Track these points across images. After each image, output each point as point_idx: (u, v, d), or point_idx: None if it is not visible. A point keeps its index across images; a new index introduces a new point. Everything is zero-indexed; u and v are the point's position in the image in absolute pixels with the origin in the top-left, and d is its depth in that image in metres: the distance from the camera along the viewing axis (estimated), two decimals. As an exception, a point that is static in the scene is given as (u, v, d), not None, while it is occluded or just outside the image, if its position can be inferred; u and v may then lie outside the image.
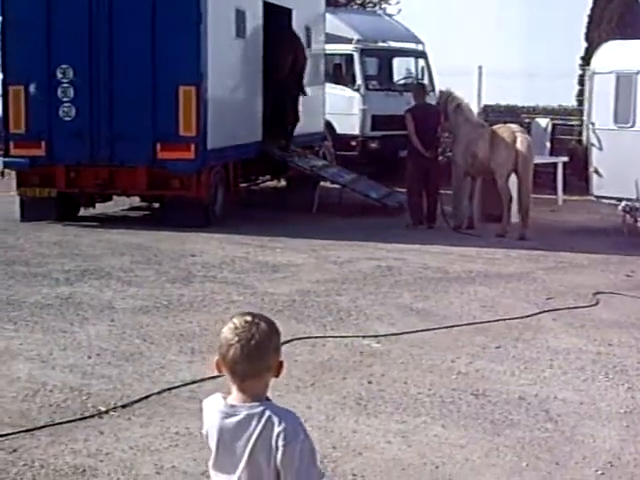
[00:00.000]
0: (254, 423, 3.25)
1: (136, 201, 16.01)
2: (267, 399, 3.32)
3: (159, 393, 6.87)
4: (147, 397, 6.77)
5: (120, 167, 14.16)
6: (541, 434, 6.33)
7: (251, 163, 16.47)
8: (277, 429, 3.22)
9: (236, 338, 3.24)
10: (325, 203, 16.75)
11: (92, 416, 6.39)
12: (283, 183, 19.74)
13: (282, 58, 16.79)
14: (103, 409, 6.51)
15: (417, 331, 8.78)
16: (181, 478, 5.49)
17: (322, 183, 17.50)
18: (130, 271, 11.04)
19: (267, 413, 3.25)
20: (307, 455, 3.24)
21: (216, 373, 7.11)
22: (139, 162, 14.08)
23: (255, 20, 16.01)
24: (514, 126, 15.16)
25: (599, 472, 5.75)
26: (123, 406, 6.59)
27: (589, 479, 5.66)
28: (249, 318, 3.30)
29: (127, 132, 13.94)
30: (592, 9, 21.20)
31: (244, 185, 17.08)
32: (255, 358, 3.24)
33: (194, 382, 7.13)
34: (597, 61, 15.31)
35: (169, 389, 6.96)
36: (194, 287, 10.35)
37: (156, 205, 15.62)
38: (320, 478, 3.33)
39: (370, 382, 7.27)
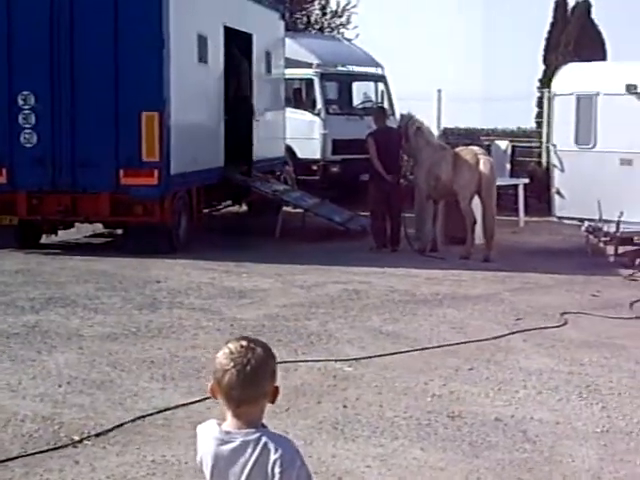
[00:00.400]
0: (250, 450, 3.20)
1: (98, 228, 15.88)
2: (262, 425, 3.27)
3: (133, 421, 6.78)
4: (121, 425, 6.67)
5: (83, 194, 14.04)
6: (520, 455, 6.31)
7: (213, 188, 16.42)
8: (273, 456, 3.17)
9: (232, 363, 3.19)
10: (288, 228, 16.71)
11: (66, 446, 6.29)
12: (244, 208, 19.69)
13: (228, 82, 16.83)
14: (77, 438, 6.41)
15: (389, 354, 8.74)
16: (160, 507, 5.41)
17: (284, 208, 17.47)
18: (96, 298, 10.93)
19: (263, 440, 3.20)
20: (303, 482, 3.20)
21: (189, 400, 7.05)
22: (102, 188, 13.96)
23: (217, 45, 15.98)
24: (476, 148, 15.23)
25: (580, 492, 5.74)
26: (97, 435, 6.49)
27: (570, 499, 5.65)
28: (244, 343, 3.25)
29: (90, 158, 13.84)
30: (549, 32, 21.42)
31: (206, 210, 17.00)
32: (251, 384, 3.19)
33: (167, 409, 7.05)
34: (557, 83, 15.45)
35: (142, 417, 6.87)
36: (161, 313, 10.26)
37: (119, 232, 15.51)
38: (315, 504, 3.27)
39: (345, 406, 7.22)
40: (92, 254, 14.07)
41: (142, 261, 13.34)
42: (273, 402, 3.29)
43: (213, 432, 3.27)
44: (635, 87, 14.25)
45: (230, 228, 17.79)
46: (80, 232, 15.89)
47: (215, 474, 3.26)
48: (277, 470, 3.15)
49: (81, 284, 11.77)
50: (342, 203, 18.33)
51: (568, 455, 6.33)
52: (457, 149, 15.02)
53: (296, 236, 16.27)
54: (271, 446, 3.18)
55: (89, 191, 14.02)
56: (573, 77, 15.27)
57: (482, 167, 14.35)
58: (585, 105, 14.78)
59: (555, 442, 6.57)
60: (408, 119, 15.40)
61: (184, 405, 7.15)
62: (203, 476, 5.73)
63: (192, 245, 14.64)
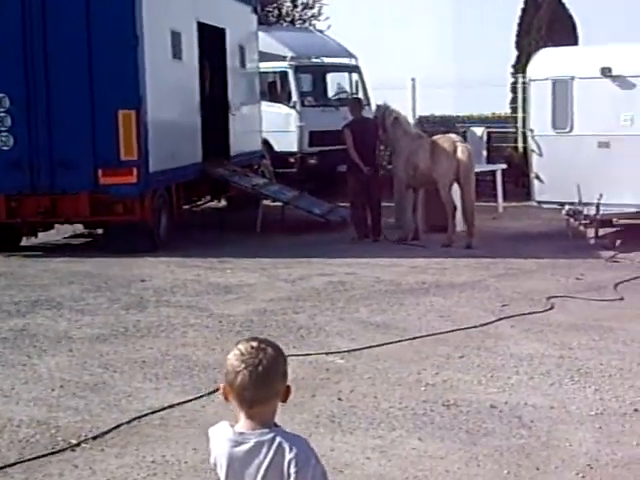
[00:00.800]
0: (264, 450, 3.20)
1: (79, 228, 15.82)
2: (275, 425, 3.27)
3: (129, 422, 6.76)
4: (117, 427, 6.66)
5: (62, 195, 13.98)
6: (517, 441, 6.35)
7: (192, 184, 16.40)
8: (288, 456, 3.17)
9: (243, 365, 3.19)
10: (268, 221, 16.70)
11: (64, 449, 6.27)
12: (223, 203, 19.67)
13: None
14: (74, 442, 6.39)
15: (379, 345, 8.76)
16: (164, 507, 5.40)
17: (264, 201, 17.44)
18: (81, 300, 10.89)
19: (277, 440, 3.20)
20: (319, 480, 3.21)
21: (184, 399, 7.04)
22: (81, 189, 13.91)
23: (190, 41, 15.94)
24: (454, 136, 15.27)
25: (580, 475, 5.78)
26: (94, 437, 6.47)
27: (571, 483, 5.68)
28: (255, 344, 3.25)
29: (68, 159, 13.77)
30: (521, 18, 21.47)
31: (186, 207, 16.97)
32: (263, 384, 3.20)
33: (163, 409, 7.04)
34: (533, 68, 15.47)
35: (138, 417, 6.86)
36: (149, 312, 10.24)
37: (99, 231, 15.46)
38: (331, 501, 3.28)
39: (340, 399, 7.24)
40: (74, 255, 14.01)
41: (124, 260, 13.30)
42: (285, 401, 3.30)
43: (227, 434, 3.26)
44: (610, 70, 14.31)
45: (210, 224, 17.76)
46: (60, 233, 15.83)
47: (230, 475, 3.26)
48: (292, 470, 3.15)
49: (65, 286, 11.73)
50: (320, 195, 18.34)
51: (564, 439, 6.37)
52: (435, 137, 15.05)
53: (277, 229, 16.28)
54: (286, 446, 3.18)
55: (68, 192, 13.95)
56: (548, 62, 15.31)
57: (460, 154, 14.39)
58: (561, 89, 14.81)
59: (551, 427, 6.61)
60: (385, 109, 15.41)
61: (179, 404, 7.14)
62: (207, 477, 5.76)
63: (174, 242, 14.61)
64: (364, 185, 15.17)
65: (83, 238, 15.93)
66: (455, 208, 14.68)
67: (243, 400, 3.21)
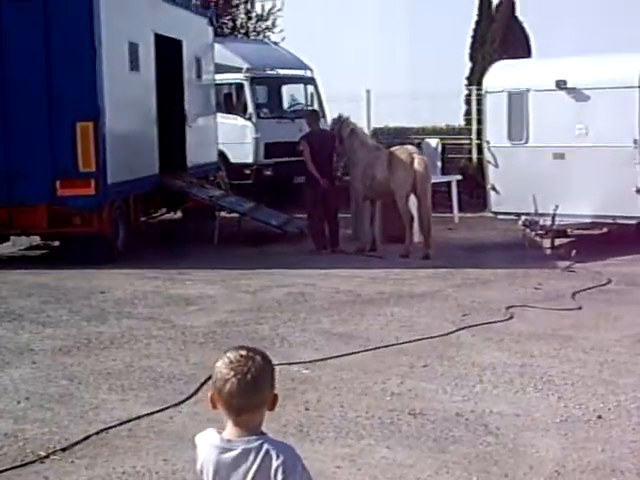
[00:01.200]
0: (252, 457, 3.24)
1: (35, 240, 15.73)
2: (262, 433, 3.31)
3: (97, 433, 6.74)
4: (86, 438, 6.64)
5: (19, 206, 13.90)
6: (485, 448, 6.42)
7: (149, 196, 16.38)
8: (275, 463, 3.21)
9: (232, 372, 3.22)
10: (225, 233, 16.71)
11: (33, 462, 6.24)
12: (179, 215, 19.64)
13: None
14: (43, 453, 6.36)
15: (343, 355, 8.81)
16: (138, 518, 5.41)
17: (221, 213, 17.45)
18: (42, 312, 10.83)
19: (265, 447, 3.24)
20: (306, 487, 3.25)
21: (151, 410, 7.03)
22: (39, 200, 13.85)
23: (148, 53, 15.93)
24: (410, 147, 15.40)
25: (548, 481, 5.86)
26: (63, 449, 6.45)
27: (539, 489, 5.76)
28: (244, 352, 3.28)
29: (25, 170, 13.68)
30: (475, 30, 21.68)
31: (143, 219, 16.93)
32: (252, 392, 3.24)
33: (131, 420, 7.03)
34: (489, 80, 15.64)
35: (107, 429, 6.84)
36: (111, 324, 10.21)
37: (55, 243, 15.38)
38: (316, 507, 3.32)
39: (307, 409, 7.27)
40: (31, 267, 13.92)
41: (83, 272, 13.24)
42: (272, 409, 3.34)
43: (214, 440, 3.30)
44: (565, 82, 14.51)
45: (167, 235, 17.76)
46: (15, 245, 15.72)
47: (217, 482, 3.29)
48: (280, 477, 3.20)
49: (24, 298, 11.66)
50: (276, 206, 18.38)
51: (531, 446, 6.46)
52: (392, 149, 15.16)
53: (234, 241, 16.29)
54: (273, 453, 3.23)
55: (26, 203, 13.88)
56: (504, 74, 15.49)
57: (417, 166, 14.50)
58: (516, 101, 15.00)
59: (517, 434, 6.69)
60: (341, 121, 15.50)
61: (147, 415, 7.14)
62: (178, 485, 5.76)
63: (132, 254, 14.57)
64: (321, 197, 15.24)
65: (39, 250, 15.83)
66: (412, 219, 14.80)
67: (231, 408, 3.25)
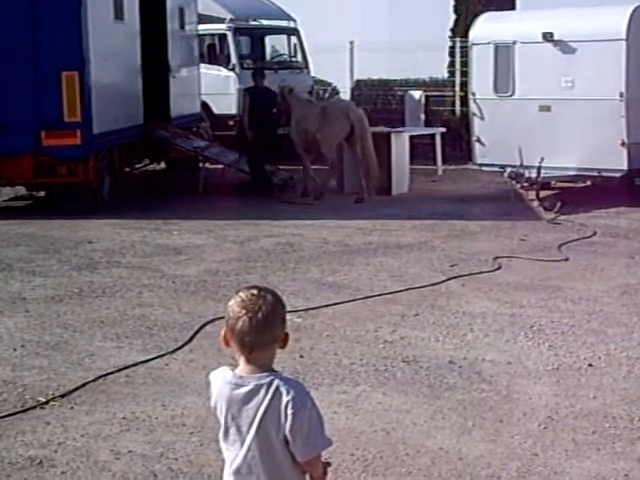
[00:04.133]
0: (263, 393, 3.32)
1: (20, 190, 15.68)
2: (273, 370, 3.38)
3: (95, 380, 6.82)
4: (84, 385, 6.71)
5: (5, 157, 13.83)
6: (478, 395, 6.52)
7: (133, 147, 16.33)
8: (286, 398, 3.29)
9: (244, 311, 3.29)
10: (209, 183, 16.70)
11: (33, 407, 6.31)
12: (162, 166, 19.59)
13: None
14: (43, 399, 6.43)
15: (335, 304, 8.89)
16: (141, 462, 5.47)
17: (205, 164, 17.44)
18: (31, 261, 10.85)
19: (275, 383, 3.32)
20: (315, 423, 3.33)
21: (147, 357, 7.10)
22: (24, 151, 13.78)
23: (132, 2, 15.81)
24: (344, 101, 16.77)
25: (542, 426, 5.96)
26: (62, 395, 6.52)
27: (534, 433, 5.86)
28: (255, 291, 3.35)
29: (10, 121, 13.60)
30: (459, -18, 21.63)
31: (127, 169, 16.89)
32: (263, 330, 3.30)
33: (127, 367, 7.10)
34: (475, 32, 15.62)
35: (104, 375, 6.91)
36: (101, 273, 10.24)
37: (41, 194, 15.35)
38: (328, 445, 3.40)
39: (302, 356, 7.35)
40: (17, 217, 13.90)
41: (69, 222, 13.25)
42: (284, 347, 3.42)
43: (227, 377, 3.38)
44: (551, 35, 14.51)
45: (151, 186, 17.73)
46: (1, 195, 15.67)
47: (229, 417, 3.37)
48: (290, 411, 3.27)
49: (12, 248, 11.67)
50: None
51: (524, 393, 6.56)
52: (327, 103, 16.26)
53: (219, 192, 16.27)
54: (283, 389, 3.30)
55: (11, 154, 13.82)
56: (490, 26, 15.46)
57: (353, 118, 15.40)
58: (503, 54, 14.99)
59: (510, 381, 6.79)
60: (284, 85, 16.84)
61: (143, 362, 7.21)
62: (179, 431, 5.86)
63: (117, 204, 14.58)
64: (263, 144, 16.07)
65: (24, 200, 15.79)
66: (334, 164, 15.83)
67: (244, 345, 3.32)
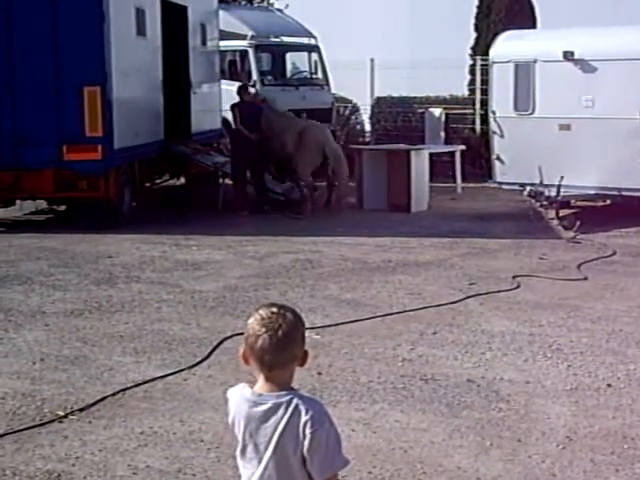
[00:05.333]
0: (281, 411, 3.31)
1: (41, 204, 15.76)
2: (292, 388, 3.38)
3: (114, 395, 6.84)
4: (103, 399, 6.73)
5: (26, 171, 13.92)
6: (497, 414, 6.51)
7: (153, 162, 16.42)
8: (304, 417, 3.28)
9: (264, 329, 3.29)
10: (227, 199, 16.74)
11: (52, 421, 6.33)
12: (182, 181, 19.66)
13: None
14: (61, 413, 6.45)
15: (353, 321, 8.90)
16: (158, 477, 5.49)
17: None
18: (51, 275, 10.90)
19: (294, 401, 3.31)
20: (333, 442, 3.32)
21: (165, 372, 7.10)
22: (45, 165, 13.88)
23: (154, 18, 15.93)
24: (322, 128, 16.73)
25: (560, 447, 5.94)
26: (81, 410, 6.54)
27: (552, 453, 5.84)
28: (275, 309, 3.35)
29: (32, 135, 13.74)
30: (480, 0, 21.61)
31: (147, 184, 16.97)
32: (283, 348, 3.30)
33: (146, 382, 7.12)
34: (495, 50, 15.63)
35: (123, 390, 6.93)
36: (120, 288, 10.28)
37: (61, 208, 15.43)
38: (345, 465, 3.40)
39: (320, 373, 7.35)
40: (37, 231, 13.97)
41: (89, 237, 13.32)
42: (303, 365, 3.41)
43: (245, 394, 3.37)
44: (572, 53, 14.50)
45: (171, 201, 17.78)
46: (22, 209, 15.76)
47: (247, 434, 3.36)
48: (308, 431, 3.26)
49: (33, 261, 11.73)
50: (279, 173, 18.35)
51: (542, 412, 6.54)
52: (305, 126, 16.47)
53: (237, 207, 16.29)
54: (302, 407, 3.29)
55: (32, 168, 13.91)
56: (511, 44, 15.47)
57: (327, 151, 15.96)
58: (523, 72, 14.99)
59: (528, 401, 6.77)
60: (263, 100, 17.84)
61: (161, 377, 7.22)
62: (197, 447, 5.86)
63: (137, 219, 14.65)
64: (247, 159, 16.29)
65: (45, 214, 15.87)
66: (316, 189, 16.42)
67: (263, 363, 3.31)
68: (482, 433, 6.17)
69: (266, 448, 3.34)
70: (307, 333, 8.35)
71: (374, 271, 11.24)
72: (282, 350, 3.30)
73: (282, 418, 3.31)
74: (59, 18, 13.65)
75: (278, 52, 21.73)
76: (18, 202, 15.31)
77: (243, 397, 3.38)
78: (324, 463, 3.31)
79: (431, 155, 17.44)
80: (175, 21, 17.21)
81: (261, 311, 3.36)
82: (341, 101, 23.51)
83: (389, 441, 6.03)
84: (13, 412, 6.50)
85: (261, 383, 3.36)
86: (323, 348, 8.04)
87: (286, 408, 3.31)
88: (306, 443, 3.27)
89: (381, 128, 23.13)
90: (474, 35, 21.40)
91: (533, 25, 20.32)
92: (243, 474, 3.42)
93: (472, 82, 21.36)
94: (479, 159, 19.98)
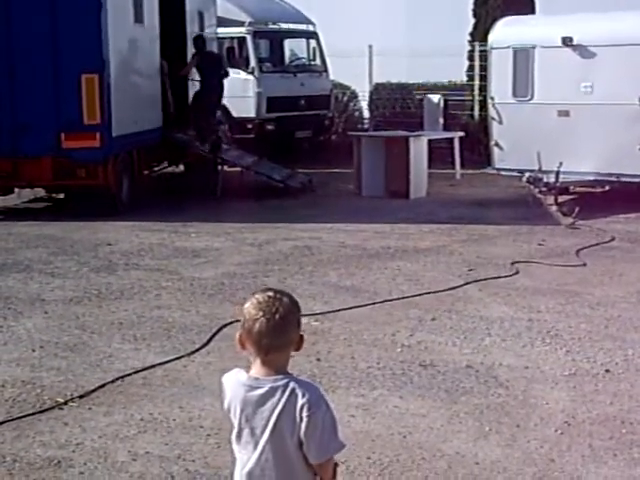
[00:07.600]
0: (278, 395, 3.32)
1: (40, 192, 15.76)
2: (288, 372, 3.39)
3: (113, 382, 6.85)
4: (102, 386, 6.75)
5: (24, 159, 13.91)
6: (495, 399, 6.52)
7: (151, 149, 16.39)
8: (301, 401, 3.29)
9: (261, 313, 3.30)
10: (227, 186, 16.73)
11: (52, 408, 6.35)
12: (180, 168, 19.65)
13: None
14: (61, 400, 6.47)
15: (352, 307, 8.91)
16: (158, 463, 5.50)
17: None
18: (50, 263, 10.91)
19: (291, 385, 3.32)
20: (329, 425, 3.33)
21: (165, 359, 7.12)
22: (43, 153, 13.86)
23: (152, 5, 15.88)
24: None
25: (559, 432, 5.96)
26: (80, 396, 6.55)
27: (550, 439, 5.86)
28: (271, 294, 3.36)
29: (30, 122, 13.71)
30: (478, -14, 21.53)
31: (146, 172, 16.95)
32: (280, 332, 3.31)
33: (145, 369, 7.13)
34: (494, 36, 15.62)
35: (122, 377, 6.95)
36: (119, 276, 10.29)
37: (60, 196, 15.43)
38: (341, 448, 3.40)
39: (319, 359, 7.37)
40: (36, 219, 13.99)
41: (88, 224, 13.32)
42: (298, 349, 3.42)
43: (241, 379, 3.38)
44: (571, 39, 14.49)
45: (170, 189, 17.79)
46: (20, 197, 15.76)
47: (243, 419, 3.37)
48: (305, 414, 3.28)
49: (32, 249, 11.73)
50: (278, 160, 18.38)
51: (541, 398, 6.56)
52: None
53: (236, 195, 16.31)
54: (298, 391, 3.31)
55: (30, 156, 13.89)
56: (509, 30, 15.46)
57: None
58: (522, 58, 14.98)
59: (527, 386, 6.79)
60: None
61: (161, 364, 7.24)
62: (196, 433, 5.88)
63: (136, 207, 14.64)
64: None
65: (43, 202, 15.87)
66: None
67: (260, 347, 3.32)
68: (481, 418, 6.18)
69: (262, 432, 3.35)
70: (306, 320, 8.41)
71: (373, 257, 11.24)
72: (279, 333, 3.32)
73: (279, 402, 3.32)
74: (57, 6, 13.61)
75: (276, 39, 21.69)
76: (16, 190, 15.29)
77: (239, 382, 3.39)
78: (320, 446, 3.32)
79: (430, 141, 17.41)
80: (173, 8, 17.17)
81: (257, 295, 3.38)
82: (339, 88, 23.46)
83: (388, 427, 6.04)
84: (13, 399, 6.51)
85: (257, 367, 3.37)
86: (322, 334, 8.06)
87: (283, 392, 3.32)
88: (303, 426, 3.29)
89: (380, 115, 23.09)
90: (472, 21, 21.31)
91: (532, 11, 20.24)
92: (238, 459, 3.43)
93: (471, 68, 21.30)
94: (478, 145, 19.93)
